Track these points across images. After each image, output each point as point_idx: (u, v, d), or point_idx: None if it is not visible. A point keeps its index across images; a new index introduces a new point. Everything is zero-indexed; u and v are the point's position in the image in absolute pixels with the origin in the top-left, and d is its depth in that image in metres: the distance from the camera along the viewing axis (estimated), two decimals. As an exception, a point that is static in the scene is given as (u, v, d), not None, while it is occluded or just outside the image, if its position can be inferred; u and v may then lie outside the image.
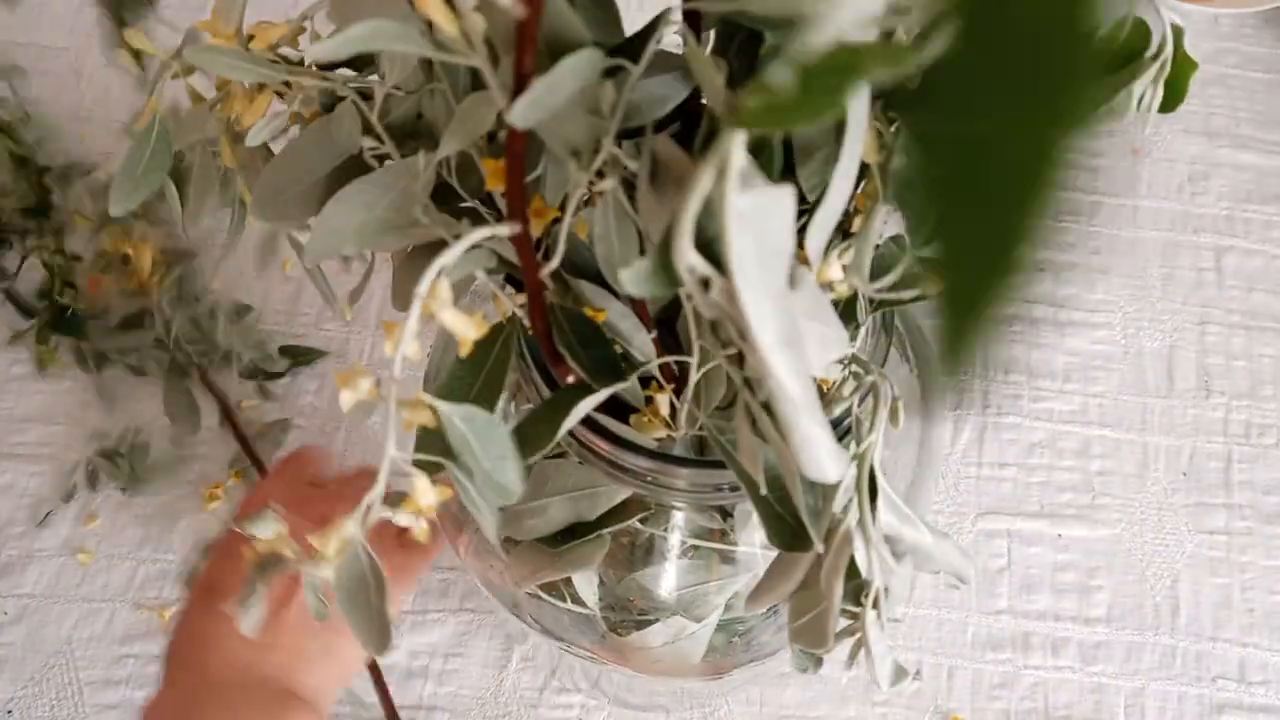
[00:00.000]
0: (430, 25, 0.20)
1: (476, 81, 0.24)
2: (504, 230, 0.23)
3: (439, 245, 0.24)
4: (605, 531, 0.36)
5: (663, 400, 0.31)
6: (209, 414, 0.61)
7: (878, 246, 0.29)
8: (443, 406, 0.22)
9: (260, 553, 0.24)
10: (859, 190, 0.28)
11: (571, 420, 0.27)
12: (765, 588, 0.31)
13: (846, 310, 0.31)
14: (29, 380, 0.63)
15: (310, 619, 0.36)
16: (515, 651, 0.56)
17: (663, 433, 0.32)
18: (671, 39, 0.24)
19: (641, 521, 0.38)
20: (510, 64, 0.20)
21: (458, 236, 0.22)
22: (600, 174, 0.24)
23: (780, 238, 0.18)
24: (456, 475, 0.24)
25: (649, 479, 0.33)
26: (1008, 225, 0.12)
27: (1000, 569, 0.58)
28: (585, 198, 0.24)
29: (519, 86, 0.20)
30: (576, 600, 0.40)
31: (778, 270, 0.18)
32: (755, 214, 0.17)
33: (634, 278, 0.20)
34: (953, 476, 0.60)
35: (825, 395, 0.33)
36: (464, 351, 0.22)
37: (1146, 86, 0.28)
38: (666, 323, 0.32)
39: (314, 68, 0.27)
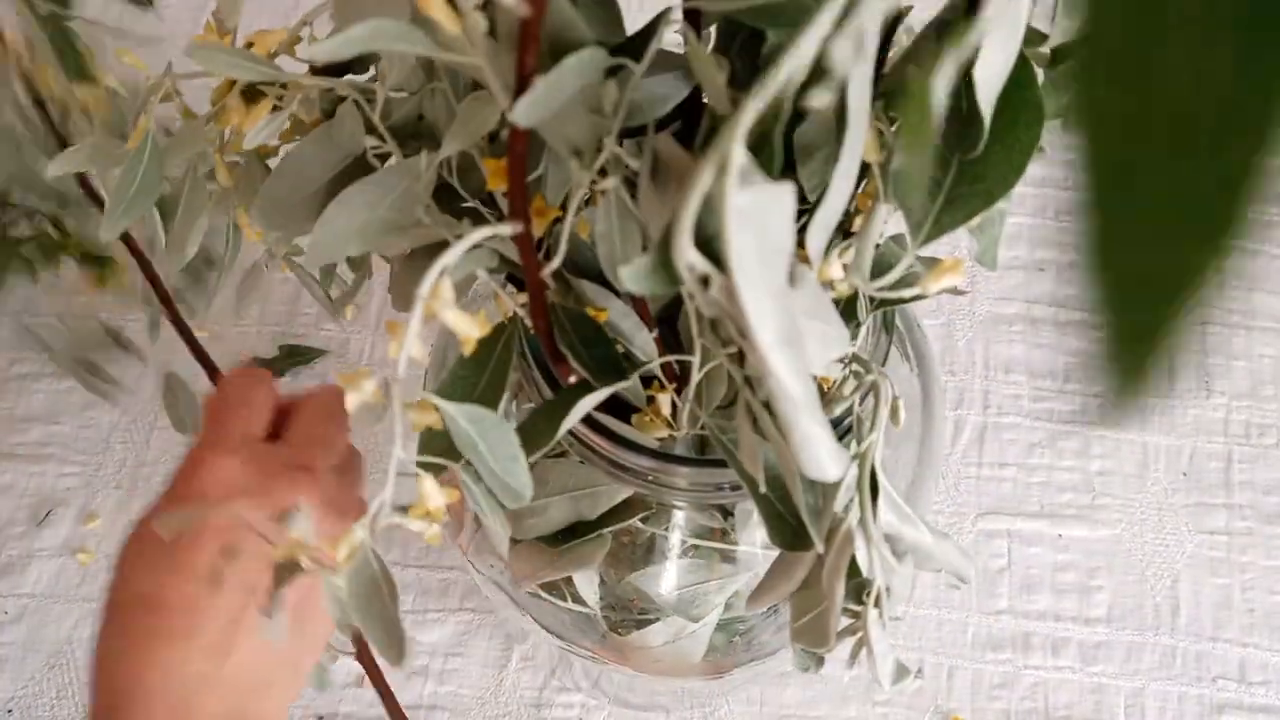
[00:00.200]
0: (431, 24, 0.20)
1: (477, 81, 0.24)
2: (506, 230, 0.23)
3: (440, 245, 0.25)
4: (606, 531, 0.36)
5: (664, 399, 0.31)
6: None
7: (878, 246, 0.29)
8: (448, 407, 0.22)
9: (278, 559, 0.24)
10: (860, 189, 0.28)
11: (572, 419, 0.27)
12: (766, 587, 0.31)
13: (847, 309, 0.32)
14: (29, 380, 0.63)
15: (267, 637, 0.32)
16: (515, 651, 0.56)
17: (664, 432, 0.32)
18: (672, 38, 0.24)
19: (642, 521, 0.38)
20: (512, 63, 0.20)
21: (459, 236, 0.22)
22: (602, 173, 0.24)
23: (780, 236, 0.18)
24: (464, 478, 0.24)
25: (650, 478, 0.33)
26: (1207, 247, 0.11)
27: (1000, 569, 0.58)
28: (586, 197, 0.24)
29: (521, 86, 0.20)
30: (577, 600, 0.40)
31: (778, 268, 0.18)
32: (755, 212, 0.17)
33: (634, 275, 0.20)
34: (953, 476, 0.60)
35: (826, 394, 0.34)
36: (467, 351, 0.22)
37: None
38: (668, 322, 0.32)
39: (313, 72, 0.27)
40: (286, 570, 0.23)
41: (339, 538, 0.23)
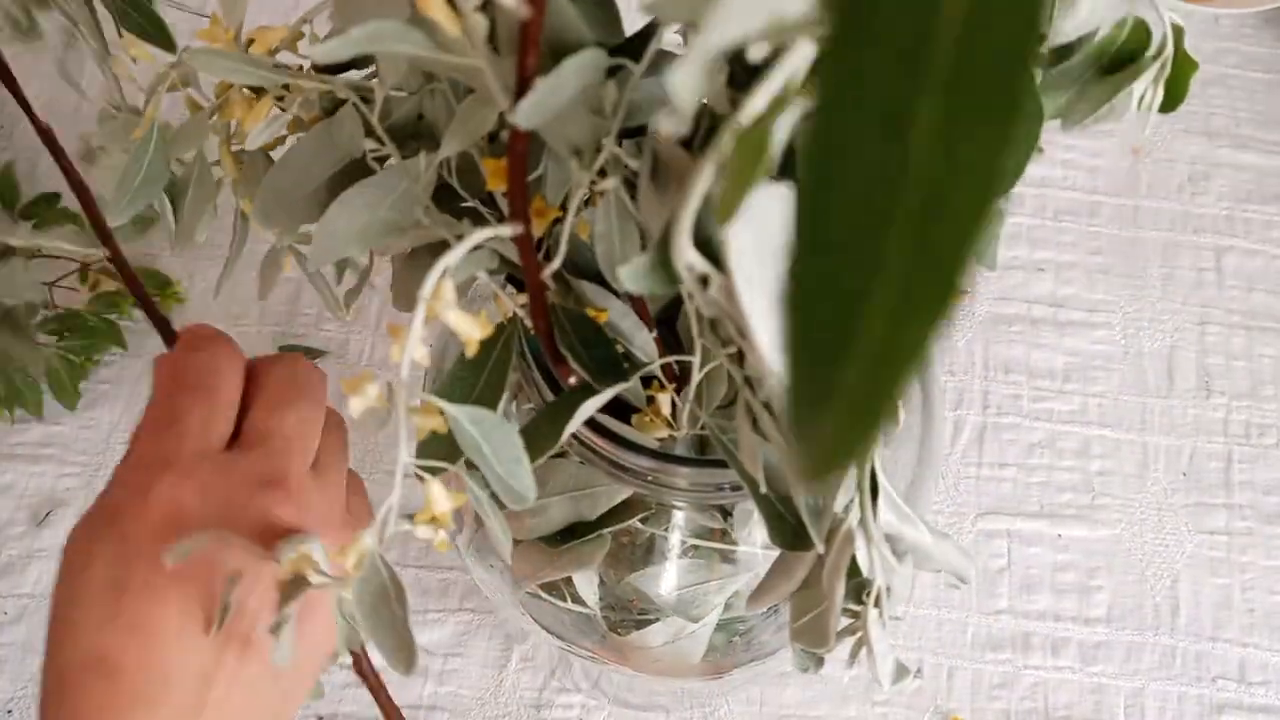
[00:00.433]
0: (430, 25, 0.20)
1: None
2: (506, 231, 0.23)
3: (440, 246, 0.25)
4: (606, 531, 0.36)
5: (664, 400, 0.31)
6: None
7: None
8: (452, 409, 0.22)
9: (284, 581, 0.23)
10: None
11: (576, 422, 0.27)
12: (767, 587, 0.31)
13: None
14: (29, 380, 0.63)
15: (262, 680, 0.29)
16: (515, 651, 0.56)
17: (664, 432, 0.32)
18: (672, 38, 0.24)
19: (642, 521, 0.38)
20: (512, 65, 0.20)
21: (460, 237, 0.22)
22: (602, 173, 0.24)
23: (779, 235, 0.18)
24: (468, 480, 0.24)
25: (650, 478, 0.33)
26: (936, 267, 0.10)
27: (1000, 569, 0.58)
28: (586, 197, 0.24)
29: (522, 87, 0.20)
30: (577, 600, 0.40)
31: (776, 268, 0.18)
32: (754, 211, 0.17)
33: (632, 275, 0.20)
34: (953, 476, 0.60)
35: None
36: (470, 352, 0.22)
37: (1147, 86, 0.28)
38: (667, 322, 0.32)
39: (314, 70, 0.27)
40: (292, 591, 0.23)
41: (338, 552, 0.23)
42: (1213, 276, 0.66)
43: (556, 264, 0.25)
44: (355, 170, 0.27)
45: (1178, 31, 0.28)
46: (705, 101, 0.26)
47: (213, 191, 0.31)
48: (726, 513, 0.39)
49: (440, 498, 0.22)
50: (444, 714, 0.55)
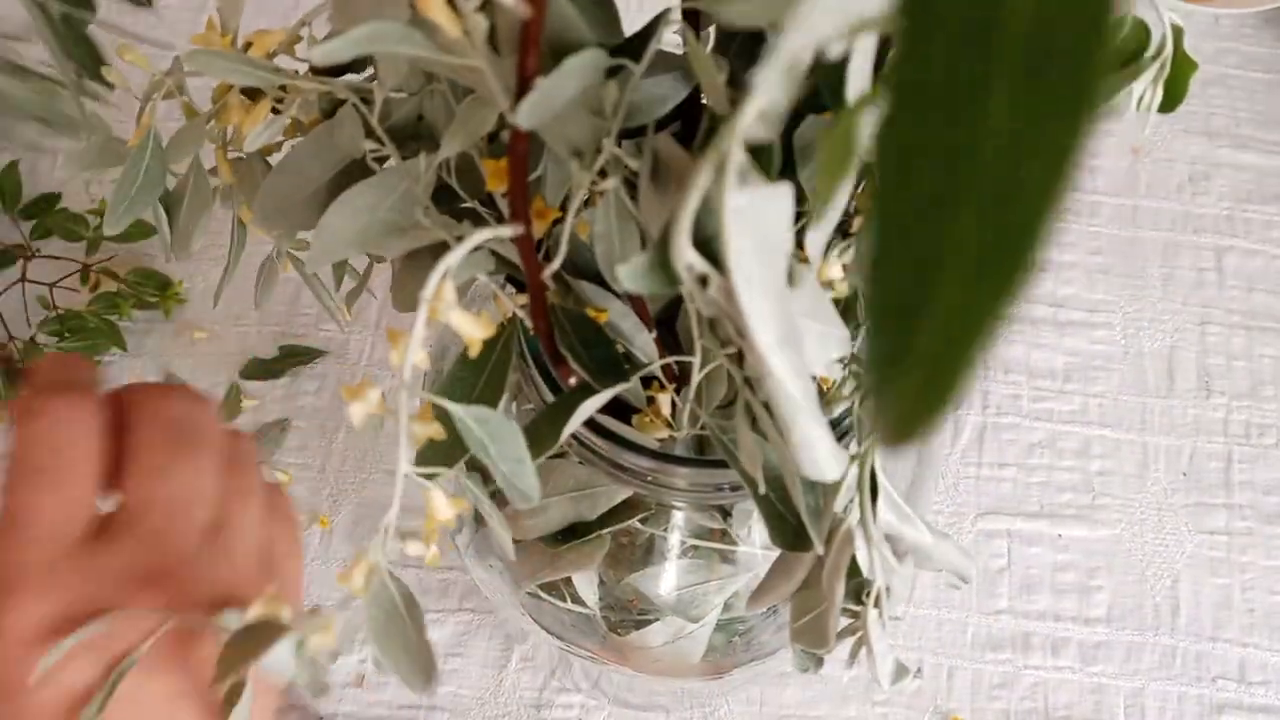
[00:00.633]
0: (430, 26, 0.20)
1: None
2: (507, 231, 0.23)
3: (440, 247, 0.25)
4: (606, 531, 0.36)
5: (664, 400, 0.31)
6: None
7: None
8: (456, 409, 0.22)
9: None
10: (859, 189, 0.28)
11: (575, 422, 0.27)
12: (767, 587, 0.31)
13: (847, 309, 0.32)
14: (29, 381, 0.63)
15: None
16: (515, 651, 0.56)
17: (664, 433, 0.32)
18: (671, 38, 0.24)
19: (642, 521, 0.38)
20: (513, 65, 0.20)
21: (459, 238, 0.22)
22: (602, 174, 0.24)
23: (778, 235, 0.18)
24: (468, 484, 0.23)
25: (650, 479, 0.33)
26: (1008, 243, 0.11)
27: (1000, 569, 0.58)
28: (585, 198, 0.24)
29: (522, 87, 0.20)
30: (577, 600, 0.40)
31: (776, 268, 0.18)
32: (753, 211, 0.17)
33: (631, 274, 0.20)
34: (953, 476, 0.60)
35: (826, 394, 0.34)
36: (473, 352, 0.22)
37: (1146, 86, 0.28)
38: (667, 323, 0.32)
39: (313, 72, 0.27)
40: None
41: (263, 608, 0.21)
42: (1213, 276, 0.66)
43: (556, 264, 0.25)
44: (355, 172, 0.27)
45: (1177, 31, 0.28)
46: (705, 101, 0.26)
47: (209, 200, 0.30)
48: (726, 513, 0.39)
49: (442, 505, 0.21)
50: (444, 714, 0.55)
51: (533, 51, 0.19)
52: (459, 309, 0.21)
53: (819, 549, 0.28)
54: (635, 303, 0.29)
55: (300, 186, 0.27)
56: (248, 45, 0.27)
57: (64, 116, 0.28)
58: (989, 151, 0.11)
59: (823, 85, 0.21)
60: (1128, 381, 0.63)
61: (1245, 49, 0.74)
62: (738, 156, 0.17)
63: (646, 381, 0.31)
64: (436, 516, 0.21)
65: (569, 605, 0.40)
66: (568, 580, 0.39)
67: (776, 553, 0.31)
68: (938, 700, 0.55)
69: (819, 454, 0.20)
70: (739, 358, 0.26)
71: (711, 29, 0.26)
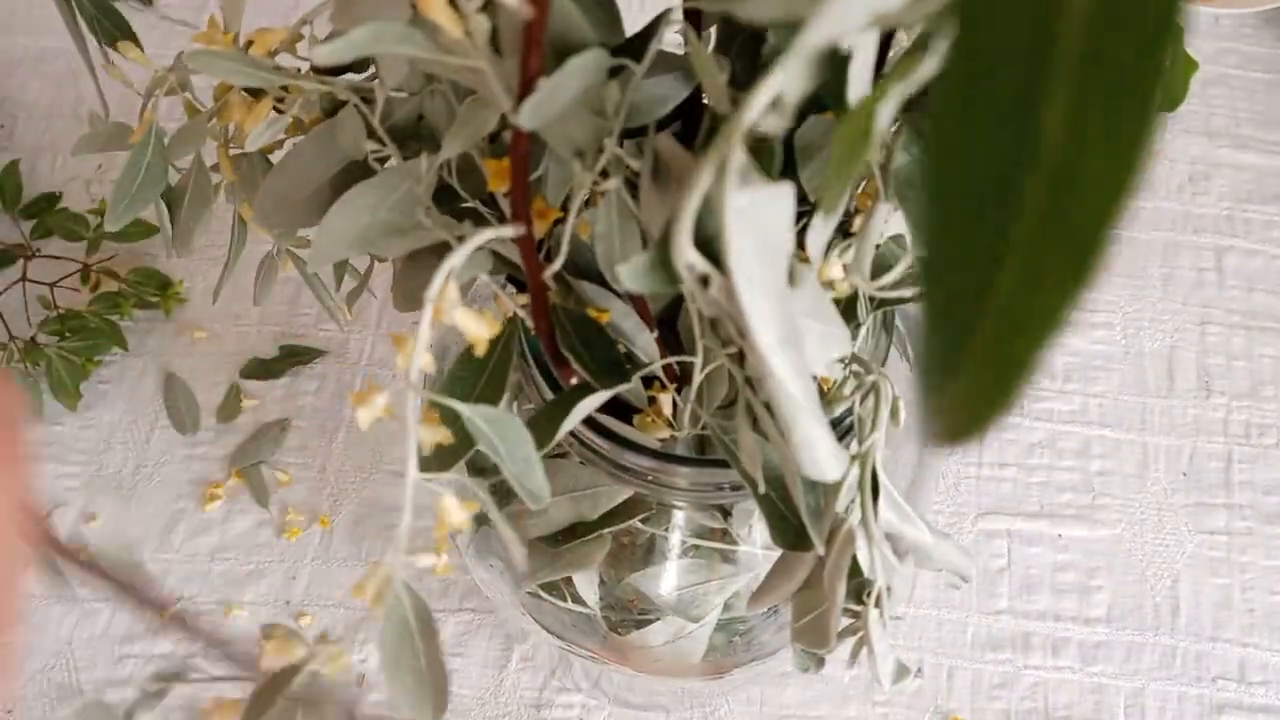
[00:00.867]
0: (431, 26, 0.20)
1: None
2: (508, 232, 0.23)
3: (441, 247, 0.25)
4: (606, 531, 0.36)
5: (665, 400, 0.31)
6: (208, 413, 0.61)
7: (878, 246, 0.29)
8: (464, 409, 0.21)
9: None
10: (860, 189, 0.28)
11: (572, 421, 0.27)
12: (768, 588, 0.31)
13: (847, 309, 0.32)
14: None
15: None
16: (515, 651, 0.56)
17: (666, 433, 0.32)
18: (672, 39, 0.24)
19: (642, 521, 0.38)
20: (515, 66, 0.20)
21: (460, 238, 0.22)
22: (604, 173, 0.24)
23: (779, 235, 0.18)
24: (474, 486, 0.23)
25: (651, 478, 0.33)
26: (1071, 243, 0.11)
27: (1000, 569, 0.58)
28: (586, 198, 0.24)
29: (525, 87, 0.20)
30: (577, 600, 0.40)
31: (777, 268, 0.18)
32: (754, 211, 0.17)
33: (632, 273, 0.20)
34: (953, 476, 0.61)
35: (826, 394, 0.34)
36: (480, 351, 0.22)
37: (1147, 86, 0.28)
38: (668, 322, 0.32)
39: (314, 72, 0.27)
40: None
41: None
42: (1213, 276, 0.66)
43: (558, 265, 0.25)
44: (355, 172, 0.27)
45: (1178, 31, 0.28)
46: (706, 101, 0.26)
47: (210, 197, 0.30)
48: (727, 513, 0.39)
49: (454, 510, 0.21)
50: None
51: (536, 51, 0.19)
52: (463, 308, 0.21)
53: (820, 549, 0.28)
54: (636, 303, 0.29)
55: (301, 186, 0.27)
56: (249, 44, 0.27)
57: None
58: (1052, 149, 0.10)
59: (821, 85, 0.21)
60: (1128, 381, 0.63)
61: (1245, 49, 0.74)
62: (739, 156, 0.17)
63: (648, 381, 0.31)
64: (448, 521, 0.21)
65: (569, 605, 0.40)
66: (568, 580, 0.39)
67: (777, 553, 0.31)
68: (938, 700, 0.55)
69: (820, 454, 0.20)
70: (740, 358, 0.26)
71: (712, 29, 0.26)
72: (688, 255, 0.18)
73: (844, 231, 0.29)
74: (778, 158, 0.25)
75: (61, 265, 0.63)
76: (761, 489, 0.27)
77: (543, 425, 0.28)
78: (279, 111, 0.27)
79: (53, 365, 0.60)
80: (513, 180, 0.23)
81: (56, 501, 0.60)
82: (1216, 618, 0.57)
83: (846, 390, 0.33)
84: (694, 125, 0.26)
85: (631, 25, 0.24)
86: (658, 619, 0.40)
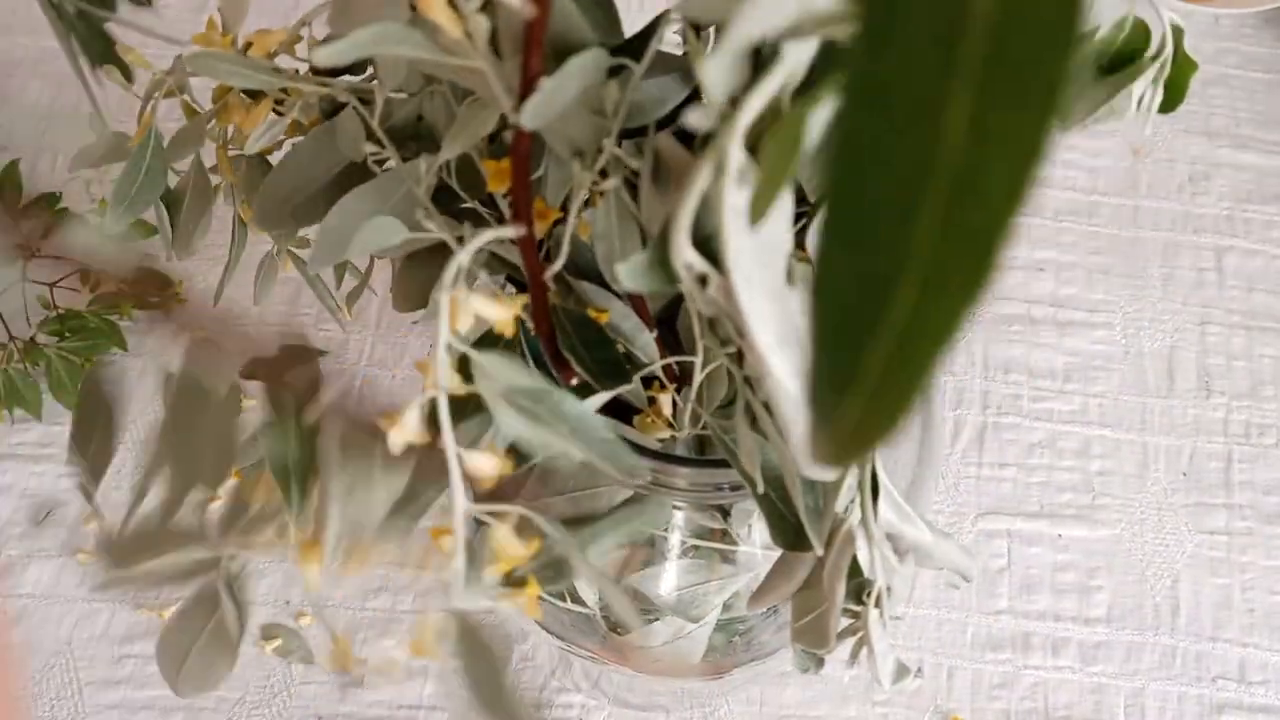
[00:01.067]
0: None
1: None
2: (509, 232, 0.23)
3: (441, 247, 0.25)
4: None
5: (665, 400, 0.31)
6: (210, 414, 0.61)
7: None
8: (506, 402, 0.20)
9: None
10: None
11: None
12: (768, 588, 0.31)
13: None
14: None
15: None
16: (515, 651, 0.56)
17: (666, 433, 0.32)
18: (672, 38, 0.24)
19: (642, 521, 0.38)
20: (514, 66, 0.20)
21: (460, 239, 0.22)
22: (603, 173, 0.24)
23: (778, 235, 0.18)
24: (538, 519, 0.22)
25: (650, 479, 0.33)
26: (969, 251, 0.10)
27: (1000, 569, 0.58)
28: (586, 198, 0.24)
29: (526, 88, 0.20)
30: (576, 600, 0.40)
31: (775, 267, 0.18)
32: (756, 213, 0.17)
33: (631, 272, 0.20)
34: (953, 476, 0.61)
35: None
36: (509, 332, 0.21)
37: (1146, 86, 0.28)
38: (667, 322, 0.32)
39: (313, 73, 0.27)
40: None
41: None
42: (1213, 276, 0.66)
43: (558, 265, 0.25)
44: (355, 173, 0.27)
45: (1177, 31, 0.28)
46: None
47: (210, 199, 0.30)
48: (727, 513, 0.39)
49: (510, 541, 0.20)
50: (444, 714, 0.55)
51: (537, 51, 0.19)
52: (478, 299, 0.21)
53: (819, 549, 0.28)
54: (636, 303, 0.29)
55: (300, 187, 0.27)
56: (248, 45, 0.27)
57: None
58: (948, 150, 0.10)
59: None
60: (1128, 381, 0.63)
61: (1245, 49, 0.74)
62: (737, 156, 0.17)
63: (647, 382, 0.31)
64: (508, 554, 0.20)
65: (569, 605, 0.40)
66: (568, 580, 0.39)
67: (777, 553, 0.31)
68: (938, 700, 0.55)
69: (819, 454, 0.20)
70: (739, 357, 0.26)
71: (712, 29, 0.26)
72: (686, 254, 0.18)
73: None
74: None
75: (61, 265, 0.63)
76: (761, 489, 0.27)
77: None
78: (278, 113, 0.27)
79: (53, 365, 0.60)
80: (514, 180, 0.23)
81: (56, 501, 0.60)
82: (1216, 618, 0.57)
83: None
84: (693, 125, 0.26)
85: (631, 25, 0.24)
86: (657, 619, 0.40)
